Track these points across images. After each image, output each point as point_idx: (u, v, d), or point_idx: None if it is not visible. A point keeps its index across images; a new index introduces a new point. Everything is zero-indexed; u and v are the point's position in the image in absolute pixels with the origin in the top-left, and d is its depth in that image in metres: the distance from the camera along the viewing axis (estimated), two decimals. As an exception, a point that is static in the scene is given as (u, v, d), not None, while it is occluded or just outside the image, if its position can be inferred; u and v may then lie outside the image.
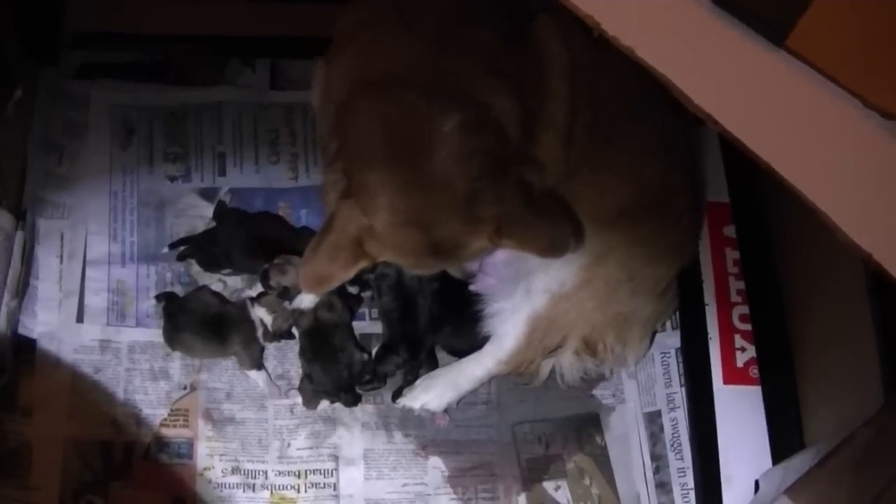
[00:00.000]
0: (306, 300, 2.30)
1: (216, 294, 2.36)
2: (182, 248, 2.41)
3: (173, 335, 2.29)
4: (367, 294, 2.39)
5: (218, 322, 2.28)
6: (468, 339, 2.32)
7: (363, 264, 1.85)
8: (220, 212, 2.46)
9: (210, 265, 2.40)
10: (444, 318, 2.34)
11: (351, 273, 1.87)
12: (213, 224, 2.45)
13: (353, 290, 2.35)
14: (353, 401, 2.29)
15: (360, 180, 1.77)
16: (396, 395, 2.31)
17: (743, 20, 0.97)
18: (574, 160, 2.02)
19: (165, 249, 2.41)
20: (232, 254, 2.37)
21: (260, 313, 2.29)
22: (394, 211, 1.75)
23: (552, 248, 1.92)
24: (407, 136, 1.73)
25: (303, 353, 2.30)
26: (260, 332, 2.29)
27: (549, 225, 1.89)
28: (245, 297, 2.34)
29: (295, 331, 2.34)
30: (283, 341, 2.34)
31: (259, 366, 2.32)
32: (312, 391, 2.27)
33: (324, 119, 2.01)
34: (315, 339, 2.30)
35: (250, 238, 2.38)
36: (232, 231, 2.40)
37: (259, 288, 2.37)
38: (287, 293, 2.31)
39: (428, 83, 1.75)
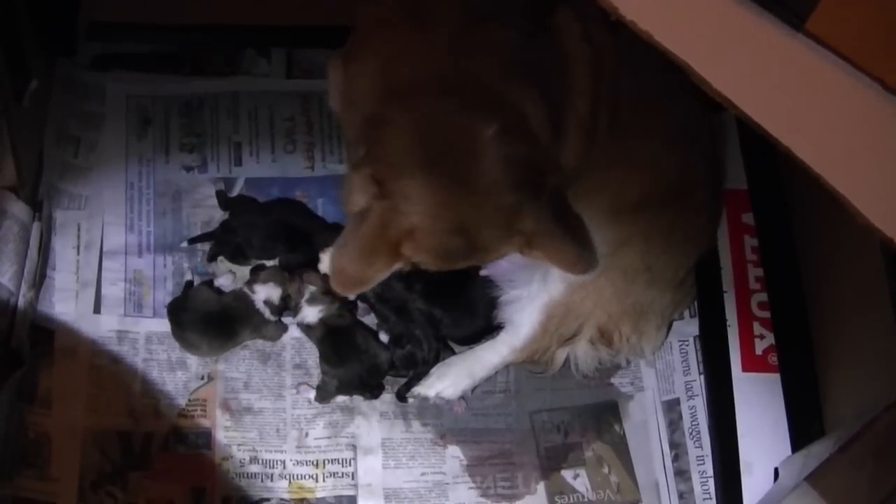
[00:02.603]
0: (311, 315, 2.29)
1: (214, 289, 2.35)
2: (204, 243, 2.42)
3: (179, 335, 2.29)
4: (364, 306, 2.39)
5: (223, 318, 2.28)
6: (469, 325, 2.34)
7: (397, 266, 1.82)
8: (225, 201, 2.46)
9: (235, 256, 2.40)
10: (439, 314, 2.34)
11: (385, 275, 1.84)
12: (226, 216, 2.44)
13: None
14: (378, 394, 2.30)
15: (398, 186, 1.73)
16: (401, 395, 2.31)
17: (762, 4, 0.96)
18: (596, 151, 2.02)
19: (185, 244, 2.41)
20: (252, 239, 2.37)
21: (263, 293, 2.29)
22: (438, 217, 1.73)
23: (577, 266, 1.92)
24: (447, 144, 1.71)
25: (326, 360, 2.29)
26: (267, 313, 2.29)
27: (577, 242, 1.89)
28: (242, 287, 2.33)
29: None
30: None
31: (285, 328, 2.34)
32: (336, 390, 2.27)
33: (345, 120, 1.99)
34: (336, 343, 2.28)
35: (272, 223, 2.38)
36: (250, 218, 2.40)
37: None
38: (288, 301, 2.30)
39: (460, 90, 1.73)
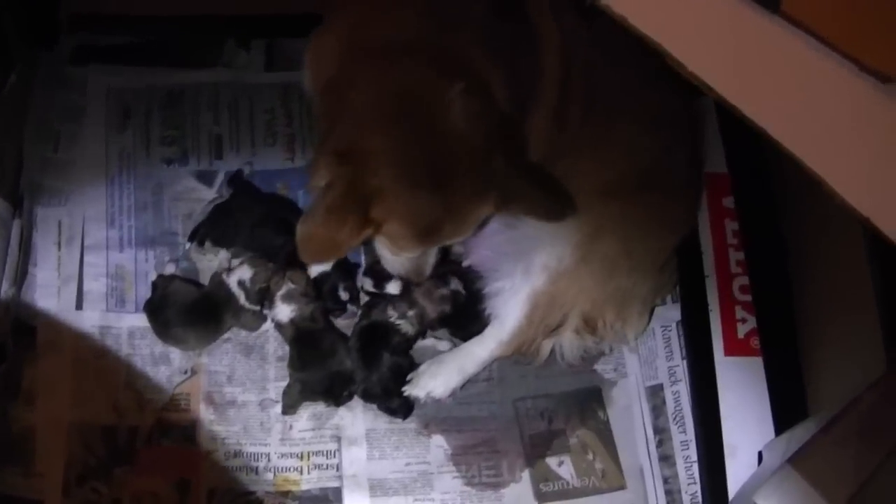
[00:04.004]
0: (283, 313, 2.28)
1: (189, 281, 2.35)
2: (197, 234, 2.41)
3: (163, 332, 2.29)
4: (353, 309, 2.37)
5: (207, 306, 2.29)
6: (475, 327, 2.32)
7: (368, 232, 1.82)
8: (237, 182, 2.47)
9: (220, 240, 2.38)
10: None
11: (357, 241, 1.83)
12: (223, 199, 2.45)
13: (344, 295, 2.34)
14: (342, 403, 2.28)
15: (364, 145, 1.74)
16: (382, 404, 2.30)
17: (737, -15, 0.96)
18: (568, 136, 2.02)
19: (188, 244, 2.40)
20: (244, 223, 2.37)
21: (236, 275, 2.29)
22: (406, 170, 1.73)
23: (552, 214, 1.93)
24: (415, 99, 1.73)
25: (291, 364, 2.28)
26: (242, 298, 2.28)
27: (549, 191, 1.89)
28: (220, 271, 2.33)
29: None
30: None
31: (263, 318, 2.33)
32: (300, 395, 2.25)
33: (316, 97, 1.99)
34: (303, 346, 2.28)
35: (264, 212, 2.39)
36: (246, 202, 2.42)
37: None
38: (264, 292, 2.30)
39: (428, 53, 1.76)
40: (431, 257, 2.10)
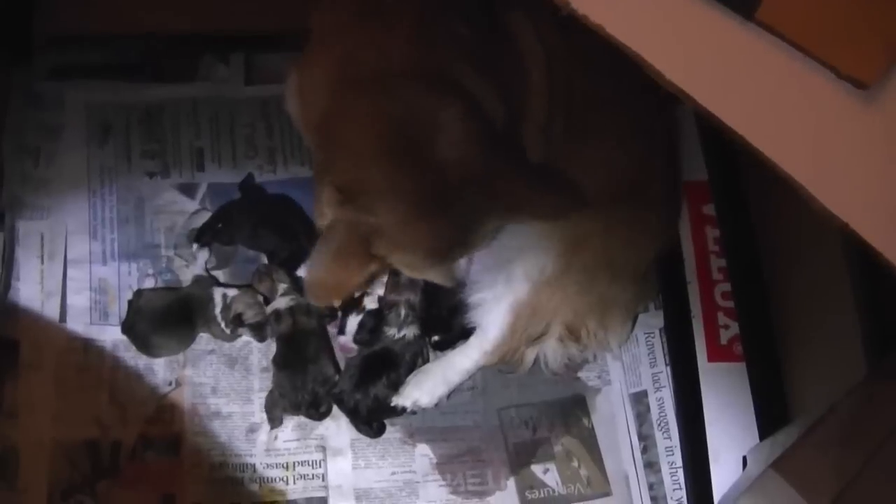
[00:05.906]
0: (282, 302, 2.29)
1: (160, 289, 2.36)
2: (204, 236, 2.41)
3: (144, 344, 2.29)
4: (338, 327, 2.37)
5: (180, 307, 2.30)
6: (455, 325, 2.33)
7: (374, 269, 1.82)
8: (247, 186, 2.48)
9: (229, 243, 2.41)
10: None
11: (362, 279, 1.84)
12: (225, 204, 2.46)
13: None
14: (317, 416, 2.28)
15: (360, 182, 1.73)
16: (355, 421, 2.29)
17: (712, -6, 0.97)
18: (553, 150, 2.02)
19: (195, 247, 2.40)
20: (245, 225, 2.38)
21: (226, 289, 2.30)
22: (401, 203, 1.73)
23: (559, 212, 1.92)
24: (407, 127, 1.71)
25: (275, 360, 2.29)
26: (218, 310, 2.28)
27: (549, 192, 1.88)
28: (209, 272, 2.36)
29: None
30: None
31: (237, 335, 2.33)
32: (283, 407, 2.25)
33: (303, 125, 1.98)
34: (290, 345, 2.28)
35: (263, 214, 2.41)
36: (246, 205, 2.43)
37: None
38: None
39: (422, 76, 1.74)
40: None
